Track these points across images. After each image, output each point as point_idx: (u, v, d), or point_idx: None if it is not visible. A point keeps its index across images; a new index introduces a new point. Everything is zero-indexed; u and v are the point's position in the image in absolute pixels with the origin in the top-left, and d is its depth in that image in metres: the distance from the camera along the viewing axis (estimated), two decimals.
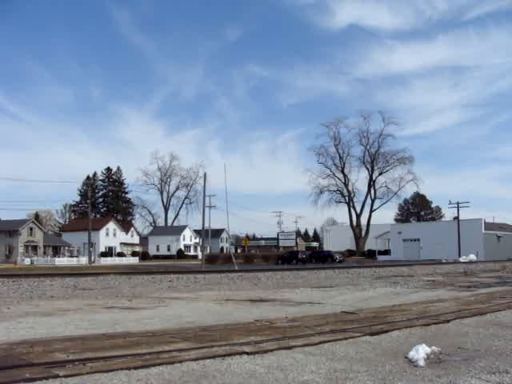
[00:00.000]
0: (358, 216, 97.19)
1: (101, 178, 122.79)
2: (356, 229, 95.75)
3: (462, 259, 58.85)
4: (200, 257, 61.10)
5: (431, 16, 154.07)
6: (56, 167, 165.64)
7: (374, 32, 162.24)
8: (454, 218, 75.59)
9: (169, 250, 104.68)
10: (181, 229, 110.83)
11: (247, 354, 5.06)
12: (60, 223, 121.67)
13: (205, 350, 5.16)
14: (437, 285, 17.06)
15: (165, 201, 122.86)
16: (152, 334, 6.23)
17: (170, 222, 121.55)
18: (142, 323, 7.61)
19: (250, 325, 7.18)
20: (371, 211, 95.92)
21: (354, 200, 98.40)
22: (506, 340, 6.16)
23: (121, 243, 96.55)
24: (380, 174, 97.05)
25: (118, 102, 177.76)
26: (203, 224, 51.29)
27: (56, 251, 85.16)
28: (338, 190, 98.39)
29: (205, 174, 51.73)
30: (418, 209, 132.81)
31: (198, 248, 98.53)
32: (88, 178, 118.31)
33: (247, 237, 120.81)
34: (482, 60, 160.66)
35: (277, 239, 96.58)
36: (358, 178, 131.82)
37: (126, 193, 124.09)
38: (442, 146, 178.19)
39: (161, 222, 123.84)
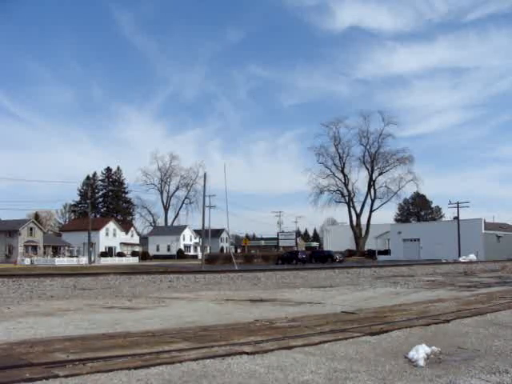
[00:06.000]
0: (358, 216, 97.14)
1: (101, 178, 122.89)
2: (356, 229, 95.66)
3: (461, 259, 58.84)
4: (200, 257, 61.07)
5: (431, 18, 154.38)
6: (56, 167, 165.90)
7: (375, 33, 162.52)
8: (454, 218, 75.58)
9: (169, 249, 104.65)
10: (181, 229, 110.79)
11: (247, 354, 5.06)
12: (60, 223, 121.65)
13: (205, 350, 5.15)
14: (437, 285, 17.05)
15: (165, 201, 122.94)
16: (152, 334, 6.23)
17: (169, 222, 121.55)
18: (141, 323, 7.60)
19: (250, 325, 7.17)
20: (371, 211, 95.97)
21: (354, 200, 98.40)
22: (506, 340, 6.16)
23: (121, 243, 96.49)
24: (380, 173, 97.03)
25: (118, 102, 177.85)
26: (203, 224, 51.30)
27: (56, 251, 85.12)
28: (338, 190, 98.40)
29: (205, 174, 51.79)
30: (418, 209, 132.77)
31: (198, 248, 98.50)
32: (88, 177, 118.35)
33: (247, 237, 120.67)
34: (482, 61, 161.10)
35: (277, 239, 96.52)
36: (358, 178, 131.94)
37: (126, 193, 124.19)
38: (442, 146, 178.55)
39: (161, 222, 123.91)
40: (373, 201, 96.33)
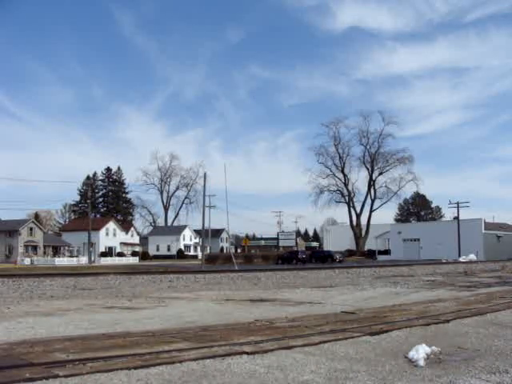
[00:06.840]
0: (358, 216, 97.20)
1: (101, 177, 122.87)
2: (356, 229, 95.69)
3: (462, 259, 58.86)
4: (200, 257, 61.08)
5: (431, 18, 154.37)
6: (56, 167, 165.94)
7: (375, 33, 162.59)
8: (454, 218, 75.58)
9: (169, 249, 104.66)
10: (181, 229, 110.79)
11: (247, 353, 5.06)
12: (60, 223, 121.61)
13: (205, 350, 5.15)
14: (437, 285, 17.05)
15: (165, 201, 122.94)
16: (152, 333, 6.23)
17: (170, 222, 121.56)
18: (141, 323, 7.60)
19: (250, 325, 7.17)
20: (371, 211, 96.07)
21: (354, 200, 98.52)
22: (506, 340, 6.16)
23: (121, 243, 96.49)
24: (380, 173, 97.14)
25: (119, 102, 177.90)
26: (203, 224, 51.30)
27: (56, 251, 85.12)
28: (338, 190, 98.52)
29: (205, 174, 51.78)
30: (417, 209, 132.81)
31: (198, 248, 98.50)
32: (88, 177, 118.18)
33: (247, 237, 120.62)
34: (482, 61, 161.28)
35: (277, 239, 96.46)
36: (358, 178, 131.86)
37: (126, 193, 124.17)
38: (442, 146, 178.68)
39: (161, 222, 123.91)
40: (373, 201, 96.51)
